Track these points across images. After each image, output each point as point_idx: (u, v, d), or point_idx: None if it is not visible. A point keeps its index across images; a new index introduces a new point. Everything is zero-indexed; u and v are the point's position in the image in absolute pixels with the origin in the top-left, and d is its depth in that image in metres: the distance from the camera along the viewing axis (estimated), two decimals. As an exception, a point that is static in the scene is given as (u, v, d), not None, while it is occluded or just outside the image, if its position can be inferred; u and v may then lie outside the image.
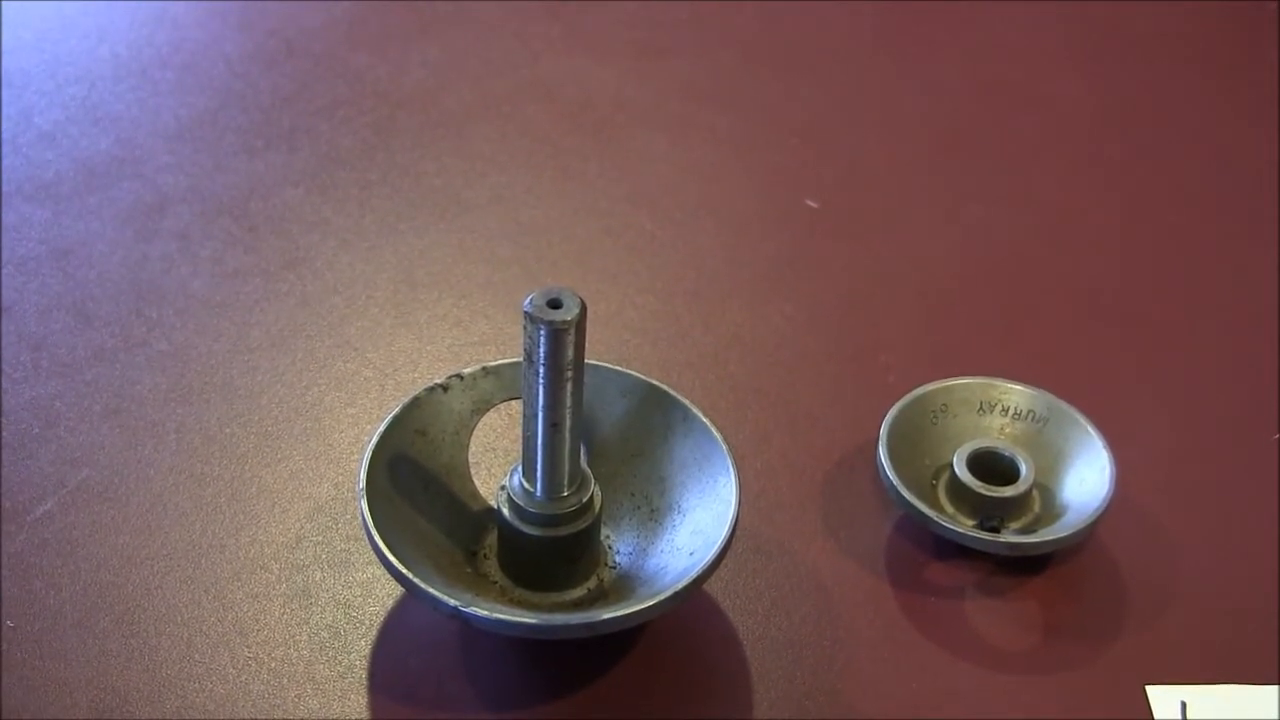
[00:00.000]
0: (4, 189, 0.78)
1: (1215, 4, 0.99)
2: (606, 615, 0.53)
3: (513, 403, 0.61)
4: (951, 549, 0.62)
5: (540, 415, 0.54)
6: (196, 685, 0.56)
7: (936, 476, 0.63)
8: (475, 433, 0.61)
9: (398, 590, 0.59)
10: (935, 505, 0.62)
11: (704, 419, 0.59)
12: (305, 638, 0.58)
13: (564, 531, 0.56)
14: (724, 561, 0.56)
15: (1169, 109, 0.90)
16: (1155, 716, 0.57)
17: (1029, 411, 0.64)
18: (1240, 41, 0.95)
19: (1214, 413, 0.69)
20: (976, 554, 0.61)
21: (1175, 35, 0.96)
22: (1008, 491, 0.61)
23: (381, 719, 0.56)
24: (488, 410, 0.61)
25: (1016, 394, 0.65)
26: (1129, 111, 0.89)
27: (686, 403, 0.60)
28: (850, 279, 0.76)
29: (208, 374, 0.69)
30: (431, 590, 0.53)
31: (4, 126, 0.82)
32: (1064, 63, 0.93)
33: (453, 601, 0.53)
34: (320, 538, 0.62)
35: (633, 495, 0.60)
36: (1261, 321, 0.74)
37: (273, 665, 0.57)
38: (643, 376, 0.61)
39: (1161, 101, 0.90)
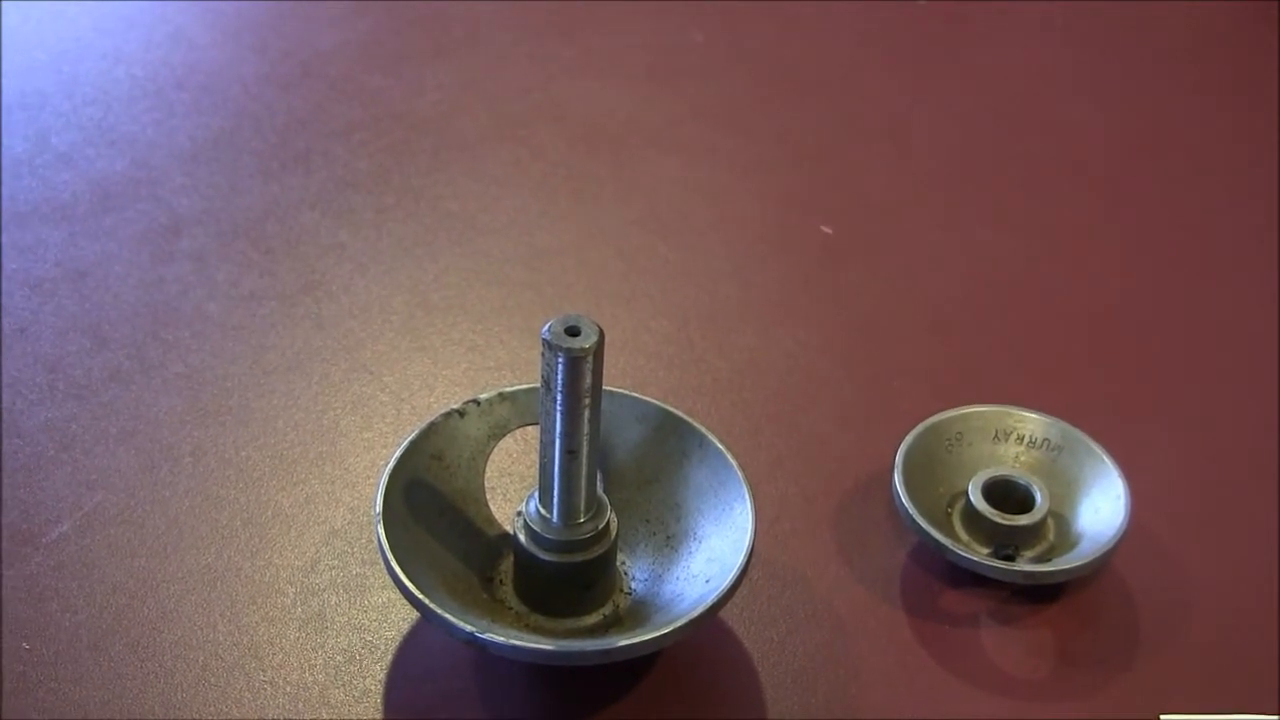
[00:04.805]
0: (20, 210, 0.78)
1: (1224, 30, 0.99)
2: (622, 642, 0.53)
3: (529, 428, 0.61)
4: (966, 577, 0.62)
5: (557, 442, 0.54)
6: (212, 709, 0.57)
7: (951, 504, 0.63)
8: (491, 458, 0.61)
9: (413, 615, 0.59)
10: (950, 533, 0.62)
11: (719, 445, 0.59)
12: (321, 662, 0.58)
13: (580, 558, 0.56)
14: (739, 588, 0.56)
15: (1180, 133, 0.90)
16: (1170, 746, 0.57)
17: (1044, 440, 0.64)
18: (1250, 66, 0.96)
19: (1229, 441, 0.69)
20: (991, 582, 0.61)
21: (1185, 60, 0.97)
22: (1023, 520, 0.61)
23: (396, 744, 0.56)
24: (504, 436, 0.61)
25: (1032, 422, 0.65)
26: (1141, 136, 0.89)
27: (702, 429, 0.60)
28: (864, 305, 0.76)
29: (223, 397, 0.69)
30: (447, 616, 0.53)
31: (20, 148, 0.82)
32: (1075, 88, 0.93)
33: (468, 627, 0.53)
34: (336, 562, 0.62)
35: (648, 521, 0.60)
36: (1277, 348, 0.74)
37: (288, 690, 0.57)
38: (658, 403, 0.61)
39: (1173, 126, 0.90)
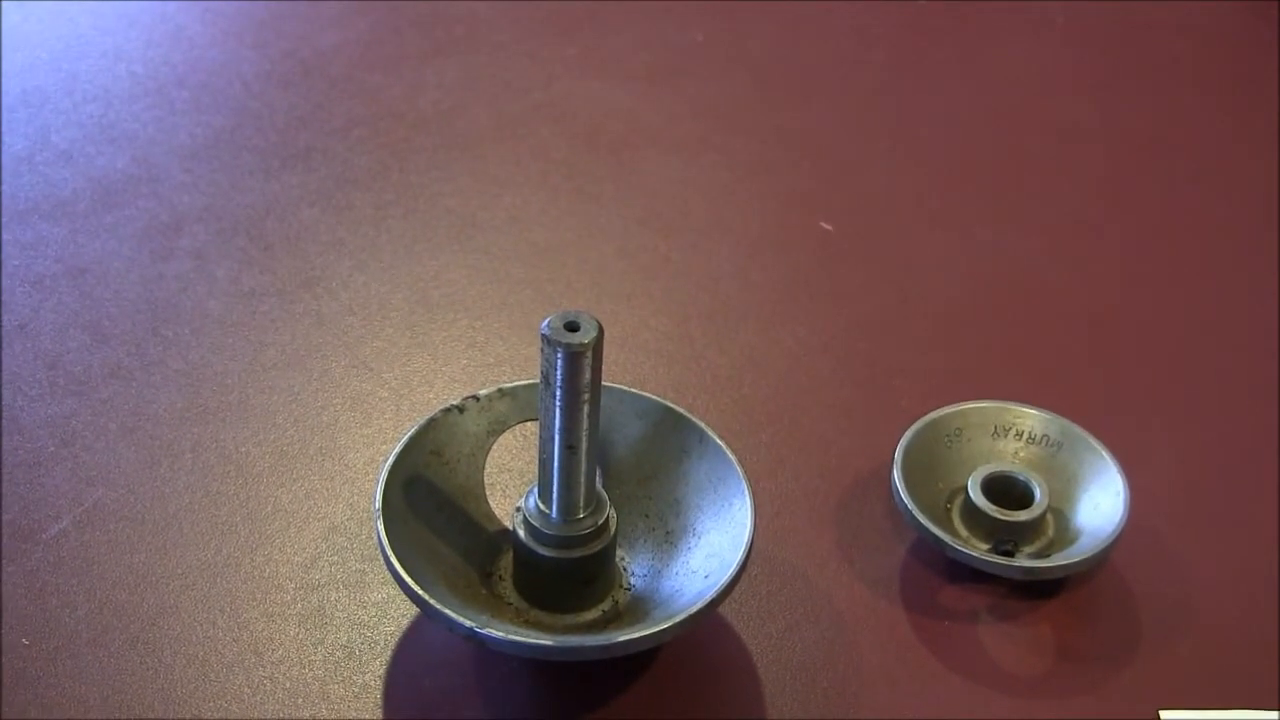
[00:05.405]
0: (21, 207, 0.78)
1: (1225, 31, 0.99)
2: (621, 637, 0.53)
3: (528, 424, 0.61)
4: (965, 573, 0.62)
5: (557, 438, 0.54)
6: (211, 705, 0.57)
7: (951, 500, 0.63)
8: (491, 454, 0.61)
9: (412, 611, 0.59)
10: (949, 529, 0.62)
11: (719, 441, 0.59)
12: (320, 658, 0.58)
13: (579, 554, 0.56)
14: (738, 584, 0.56)
15: (1180, 133, 0.90)
16: (1169, 742, 0.57)
17: (1043, 436, 0.64)
18: (1250, 66, 0.96)
19: (1228, 437, 0.69)
20: (990, 578, 0.61)
21: (1185, 61, 0.97)
22: (1022, 516, 0.62)
23: (396, 739, 0.56)
24: (503, 431, 0.61)
25: (1031, 418, 0.65)
26: (1141, 135, 0.89)
27: (702, 425, 0.60)
28: (864, 302, 0.76)
29: (223, 393, 0.69)
30: (447, 611, 0.53)
31: (21, 145, 0.82)
32: (1075, 87, 0.94)
33: (468, 623, 0.53)
34: (335, 558, 0.62)
35: (648, 517, 0.60)
36: (1276, 345, 0.74)
37: (288, 685, 0.57)
38: (658, 399, 0.61)
39: (1172, 126, 0.90)
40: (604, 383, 0.55)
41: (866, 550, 0.63)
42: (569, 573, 0.57)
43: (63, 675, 0.57)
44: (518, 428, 0.62)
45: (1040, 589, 0.62)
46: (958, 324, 0.75)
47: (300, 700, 0.57)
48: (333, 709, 0.57)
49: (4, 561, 0.61)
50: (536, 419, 0.55)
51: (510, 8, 0.96)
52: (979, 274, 0.78)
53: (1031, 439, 0.65)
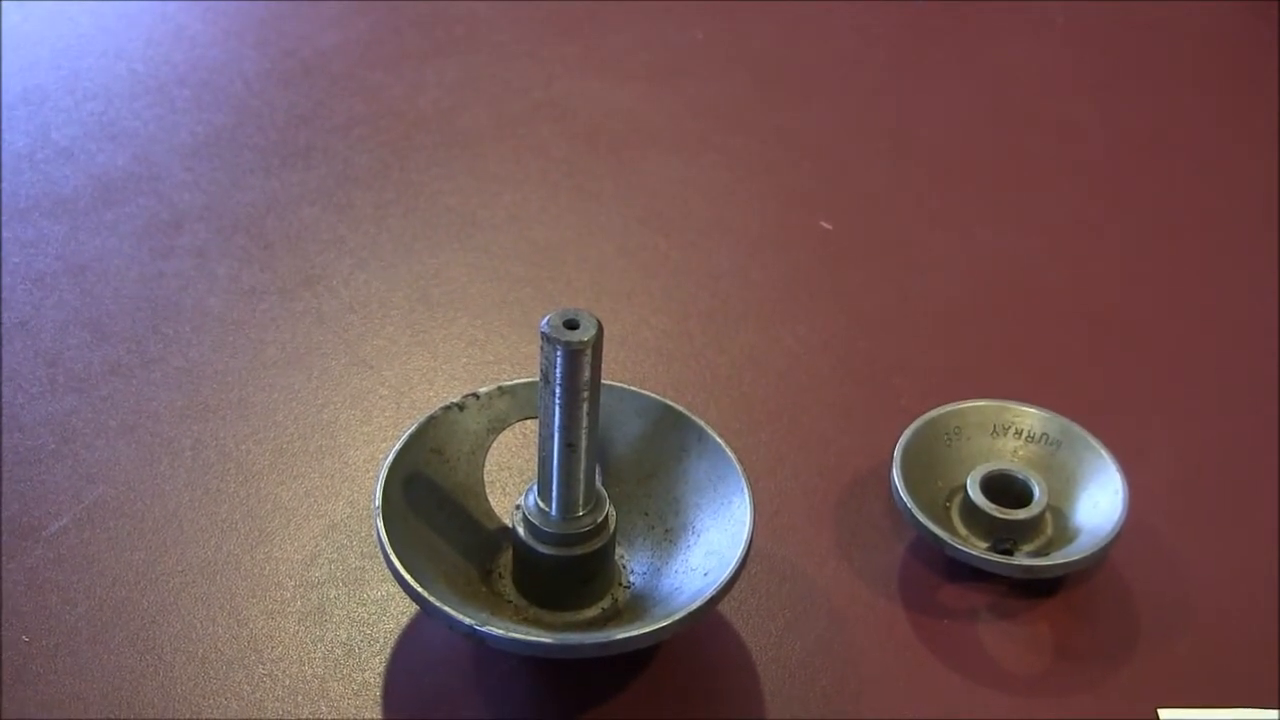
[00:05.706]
0: (21, 204, 0.78)
1: (1225, 31, 0.99)
2: (620, 635, 0.53)
3: (528, 422, 0.61)
4: (964, 571, 0.62)
5: (556, 436, 0.54)
6: (211, 702, 0.57)
7: (950, 499, 0.64)
8: (490, 452, 0.61)
9: (412, 608, 0.59)
10: (948, 527, 0.62)
11: (718, 440, 0.59)
12: (320, 655, 0.58)
13: (579, 551, 0.56)
14: (737, 582, 0.56)
15: (1179, 132, 0.90)
16: (1168, 740, 0.57)
17: (1042, 434, 0.64)
18: (1250, 66, 0.96)
19: (1227, 436, 0.69)
20: (989, 576, 0.61)
21: (1185, 61, 0.97)
22: (1021, 514, 0.62)
23: (395, 737, 0.56)
24: (503, 429, 0.61)
25: (1030, 417, 0.65)
26: (1140, 135, 0.89)
27: (701, 423, 0.60)
28: (864, 301, 0.76)
29: (223, 391, 0.69)
30: (446, 609, 0.53)
31: (22, 142, 0.82)
32: (1075, 87, 0.94)
33: (468, 620, 0.53)
34: (335, 555, 0.62)
35: (647, 515, 0.60)
36: (1275, 345, 0.74)
37: (287, 682, 0.57)
38: (657, 397, 0.61)
39: (1172, 125, 0.90)
40: (604, 381, 0.55)
41: (866, 548, 0.63)
42: (568, 570, 0.57)
43: (63, 672, 0.57)
44: (518, 425, 0.62)
45: (1039, 587, 0.62)
46: (957, 323, 0.75)
47: (300, 698, 0.57)
48: (332, 706, 0.57)
49: (4, 559, 0.61)
50: (536, 417, 0.55)
51: (510, 8, 0.96)
52: (978, 273, 0.78)
53: (1030, 437, 0.65)
